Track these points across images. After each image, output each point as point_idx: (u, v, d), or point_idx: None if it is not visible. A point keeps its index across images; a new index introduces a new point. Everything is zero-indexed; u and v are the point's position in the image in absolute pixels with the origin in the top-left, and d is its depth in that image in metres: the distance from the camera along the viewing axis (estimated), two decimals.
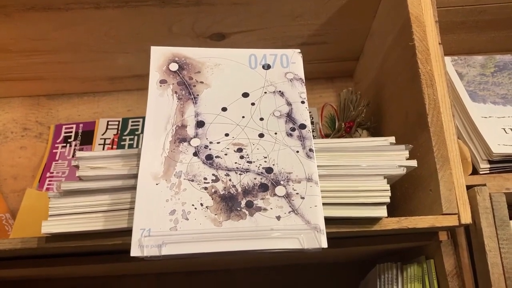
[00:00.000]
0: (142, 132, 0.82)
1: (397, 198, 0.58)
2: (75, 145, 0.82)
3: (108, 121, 0.84)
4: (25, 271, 0.59)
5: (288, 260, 0.70)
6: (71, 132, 0.84)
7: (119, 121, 0.84)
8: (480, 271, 0.50)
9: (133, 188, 0.46)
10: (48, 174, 0.79)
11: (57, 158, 0.81)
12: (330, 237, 0.43)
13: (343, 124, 0.70)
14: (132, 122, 0.84)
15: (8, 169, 0.82)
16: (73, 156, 0.80)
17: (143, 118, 0.82)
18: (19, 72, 0.79)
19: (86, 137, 0.82)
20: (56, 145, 0.83)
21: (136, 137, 0.82)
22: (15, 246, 0.49)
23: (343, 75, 0.86)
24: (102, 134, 0.82)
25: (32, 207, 0.72)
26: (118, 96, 0.87)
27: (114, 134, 0.82)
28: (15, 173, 0.82)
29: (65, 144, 0.82)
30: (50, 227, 0.47)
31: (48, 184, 0.78)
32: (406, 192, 0.58)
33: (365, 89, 0.76)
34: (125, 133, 0.82)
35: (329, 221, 0.45)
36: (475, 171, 0.56)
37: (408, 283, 0.55)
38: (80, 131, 0.83)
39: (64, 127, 0.84)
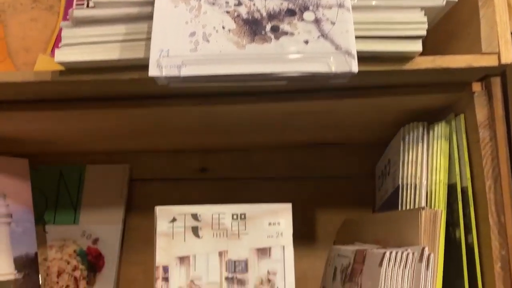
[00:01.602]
0: None
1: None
2: None
3: None
4: (38, 119, 0.58)
5: (308, 133, 0.68)
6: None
7: None
8: None
9: (150, 17, 0.43)
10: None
11: None
12: (354, 86, 0.40)
13: None
14: None
15: (19, 41, 0.80)
16: None
17: None
18: None
19: None
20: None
21: None
22: (28, 79, 0.46)
23: None
24: None
25: None
26: None
27: None
28: (27, 45, 0.79)
29: None
30: (64, 55, 0.45)
31: None
32: (441, 45, 0.54)
33: None
34: None
35: (358, 59, 0.42)
36: None
37: (434, 140, 0.53)
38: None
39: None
